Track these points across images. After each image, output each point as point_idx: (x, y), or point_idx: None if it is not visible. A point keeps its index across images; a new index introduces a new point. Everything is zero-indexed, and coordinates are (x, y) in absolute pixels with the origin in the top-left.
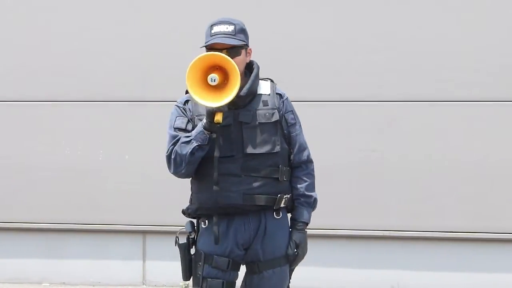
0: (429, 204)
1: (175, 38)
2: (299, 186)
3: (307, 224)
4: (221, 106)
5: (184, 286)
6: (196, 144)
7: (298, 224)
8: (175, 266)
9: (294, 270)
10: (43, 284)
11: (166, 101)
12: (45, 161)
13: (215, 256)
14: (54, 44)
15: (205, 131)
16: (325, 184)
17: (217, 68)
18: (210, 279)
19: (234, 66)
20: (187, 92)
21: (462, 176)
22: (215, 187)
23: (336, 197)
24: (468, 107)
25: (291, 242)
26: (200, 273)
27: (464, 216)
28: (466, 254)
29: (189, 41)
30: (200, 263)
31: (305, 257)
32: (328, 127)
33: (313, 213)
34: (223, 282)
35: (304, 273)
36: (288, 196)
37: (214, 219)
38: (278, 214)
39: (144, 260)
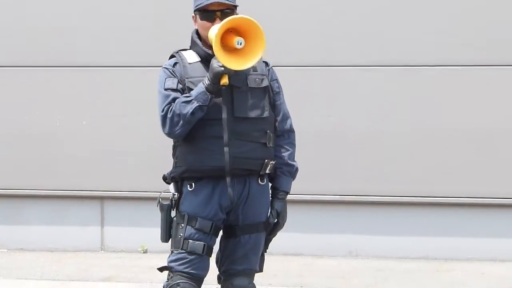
0: (385, 170)
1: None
2: (282, 155)
3: (287, 193)
4: (231, 69)
5: (142, 251)
6: (197, 104)
7: (280, 193)
8: (133, 232)
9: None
10: (0, 249)
11: (122, 66)
12: (3, 126)
13: (199, 218)
14: (2, 6)
15: (207, 92)
16: None
17: (231, 31)
18: (191, 241)
19: (261, 30)
20: (171, 56)
21: (418, 141)
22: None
23: None
24: (422, 70)
25: (272, 211)
26: (181, 234)
27: (419, 181)
28: (422, 218)
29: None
30: (182, 225)
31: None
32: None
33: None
34: (204, 245)
35: None
36: (273, 162)
37: (228, 178)
38: (262, 180)
39: (102, 226)
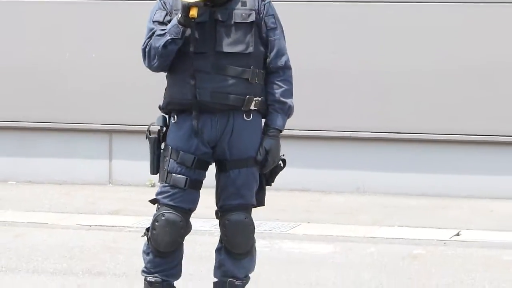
0: (391, 106)
1: None
2: (274, 91)
3: (280, 131)
4: (196, 1)
5: (150, 185)
6: (169, 37)
7: (270, 130)
8: (141, 166)
9: (276, 175)
10: (9, 182)
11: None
12: (12, 60)
13: (181, 152)
14: None
15: (179, 25)
16: None
17: None
18: (174, 175)
19: None
20: None
21: (422, 78)
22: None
23: (301, 98)
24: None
25: (260, 148)
26: (165, 167)
27: (427, 118)
28: (430, 155)
29: None
30: (166, 158)
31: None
32: (289, 29)
33: None
34: (186, 179)
35: None
36: (259, 99)
37: (194, 113)
38: (248, 116)
39: (110, 159)
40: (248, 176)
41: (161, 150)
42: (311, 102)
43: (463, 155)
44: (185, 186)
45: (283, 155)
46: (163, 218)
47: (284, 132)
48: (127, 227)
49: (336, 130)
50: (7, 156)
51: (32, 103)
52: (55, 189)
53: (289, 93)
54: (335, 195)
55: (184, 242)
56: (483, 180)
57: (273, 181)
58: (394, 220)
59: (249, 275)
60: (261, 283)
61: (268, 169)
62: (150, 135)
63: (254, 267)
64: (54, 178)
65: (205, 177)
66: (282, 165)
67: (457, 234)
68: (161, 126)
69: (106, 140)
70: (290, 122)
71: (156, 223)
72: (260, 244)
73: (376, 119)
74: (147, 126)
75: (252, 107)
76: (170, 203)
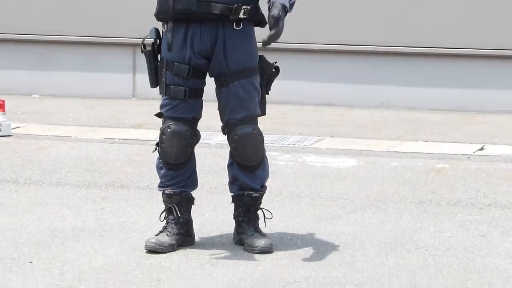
0: (420, 18)
1: None
2: None
3: (284, 7)
4: None
5: None
6: None
7: (274, 4)
8: None
9: (272, 83)
10: (33, 95)
11: None
12: None
13: (175, 63)
14: None
15: None
16: None
17: None
18: (173, 86)
19: None
20: None
21: None
22: None
23: (324, 11)
24: None
25: (268, 18)
26: (164, 80)
27: (453, 32)
28: (455, 69)
29: None
30: (163, 70)
31: (281, 36)
32: None
33: (301, 27)
34: (185, 90)
35: (290, 87)
36: (249, 7)
37: (169, 24)
38: (238, 25)
39: (134, 73)
40: (248, 87)
41: (158, 62)
42: (334, 15)
43: (490, 69)
44: (185, 96)
45: (276, 62)
46: (169, 130)
47: (308, 46)
48: (150, 140)
49: (360, 44)
50: (31, 69)
51: (55, 16)
52: (78, 103)
53: None
54: (360, 110)
55: (197, 153)
56: (508, 95)
57: (269, 89)
58: (418, 134)
59: (265, 184)
60: (284, 196)
61: (276, 38)
62: (145, 48)
63: (268, 175)
64: (77, 92)
65: (204, 84)
66: (275, 72)
67: (481, 149)
68: (154, 39)
69: (130, 53)
70: (313, 37)
71: (164, 136)
72: (284, 158)
73: (402, 32)
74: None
75: (241, 16)
76: (174, 115)
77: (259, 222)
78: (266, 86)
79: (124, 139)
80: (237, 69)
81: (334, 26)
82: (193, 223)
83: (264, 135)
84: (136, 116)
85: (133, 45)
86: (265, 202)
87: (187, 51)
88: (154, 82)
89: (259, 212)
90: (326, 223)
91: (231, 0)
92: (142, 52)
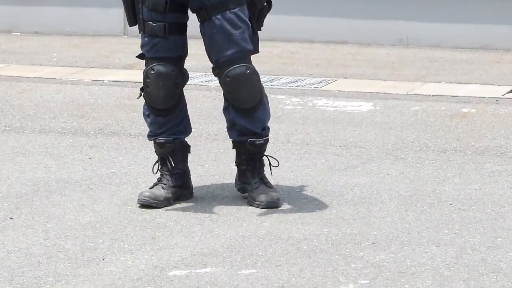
0: None
1: None
2: None
3: None
4: None
5: None
6: None
7: None
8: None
9: (264, 18)
10: (13, 33)
11: None
12: None
13: None
14: None
15: None
16: None
17: None
18: (151, 23)
19: None
20: None
21: None
22: None
23: None
24: None
25: None
26: (141, 16)
27: None
28: (481, 4)
29: None
30: (139, 5)
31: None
32: None
33: None
34: (164, 25)
35: (299, 23)
36: None
37: None
38: None
39: None
40: (234, 19)
41: None
42: None
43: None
44: (165, 33)
45: None
46: (152, 72)
47: None
48: None
49: None
50: (11, 4)
51: None
52: (64, 41)
53: None
54: (375, 48)
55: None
56: None
57: (261, 25)
58: (441, 75)
59: (267, 126)
60: (292, 144)
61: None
62: None
63: (269, 115)
64: (63, 29)
65: (187, 18)
66: (267, 6)
67: (511, 91)
68: None
69: None
70: None
71: (148, 80)
72: (292, 102)
73: None
74: None
75: None
76: (156, 55)
77: (264, 170)
78: (257, 22)
79: (115, 81)
80: (218, 0)
81: None
82: (191, 174)
83: (269, 76)
84: (127, 56)
85: None
86: (271, 151)
87: None
88: (132, 20)
89: (264, 159)
90: (339, 174)
91: None
92: None
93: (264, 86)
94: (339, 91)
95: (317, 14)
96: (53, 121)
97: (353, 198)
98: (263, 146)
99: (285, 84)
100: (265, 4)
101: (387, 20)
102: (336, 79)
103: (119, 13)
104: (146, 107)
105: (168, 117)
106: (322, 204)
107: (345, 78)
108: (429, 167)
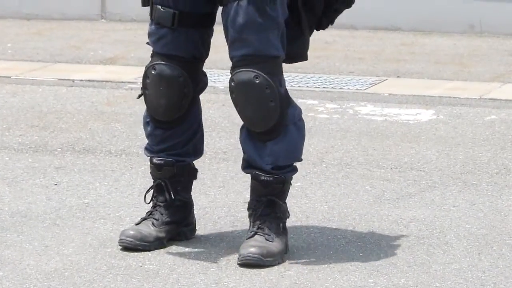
0: None
1: None
2: None
3: None
4: None
5: None
6: None
7: None
8: None
9: (337, 14)
10: None
11: None
12: None
13: None
14: None
15: None
16: None
17: None
18: (159, 7)
19: None
20: None
21: None
22: None
23: None
24: None
25: None
26: None
27: None
28: None
29: None
30: None
31: None
32: None
33: None
34: (174, 13)
35: None
36: None
37: None
38: None
39: None
40: (252, 11)
41: None
42: None
43: None
44: (173, 24)
45: None
46: (153, 72)
47: None
48: (129, 82)
49: None
50: None
51: None
52: (21, 26)
53: None
54: (438, 36)
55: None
56: None
57: (331, 23)
58: None
59: (290, 165)
60: (327, 166)
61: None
62: None
63: (294, 153)
64: (20, 11)
65: (212, 9)
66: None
67: None
68: None
69: None
70: None
71: (147, 80)
72: (327, 109)
73: None
74: None
75: None
76: (162, 50)
77: (276, 219)
78: (324, 19)
79: (89, 80)
80: None
81: None
82: (193, 207)
83: (296, 74)
84: (106, 47)
85: None
86: (299, 175)
87: None
88: None
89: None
90: (390, 206)
91: None
92: None
93: (290, 88)
94: (390, 94)
95: None
96: (7, 134)
97: (408, 237)
98: (270, 185)
99: (317, 85)
100: None
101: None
102: (385, 78)
103: None
104: (146, 112)
105: (171, 132)
106: (367, 246)
107: (398, 77)
108: (509, 196)
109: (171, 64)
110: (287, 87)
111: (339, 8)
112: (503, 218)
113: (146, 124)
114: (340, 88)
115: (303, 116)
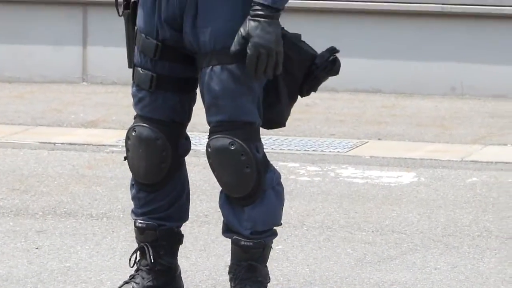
0: None
1: None
2: None
3: (271, 8)
4: None
5: None
6: None
7: (253, 8)
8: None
9: (319, 83)
10: None
11: None
12: None
13: (142, 34)
14: None
15: None
16: None
17: None
18: (139, 69)
19: None
20: None
21: None
22: None
23: None
24: None
25: (236, 34)
26: (134, 58)
27: None
28: None
29: None
30: (135, 45)
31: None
32: None
33: None
34: (152, 76)
35: None
36: None
37: None
38: None
39: (84, 46)
40: (226, 78)
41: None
42: None
43: None
44: (150, 87)
45: (334, 48)
46: (133, 134)
47: (344, 4)
48: (110, 145)
49: (422, 2)
50: None
51: None
52: (3, 90)
53: None
54: (419, 98)
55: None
56: None
57: (313, 91)
58: (506, 136)
59: (270, 230)
60: (308, 228)
61: (257, 71)
62: (122, 11)
63: (272, 218)
64: (2, 74)
65: (193, 74)
66: (331, 66)
67: None
68: None
69: (79, 16)
70: None
71: (128, 141)
72: (308, 172)
73: None
74: None
75: None
76: (142, 112)
77: (257, 283)
78: (306, 86)
79: (70, 143)
80: (211, 48)
81: None
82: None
83: (277, 137)
84: (87, 110)
85: (84, 4)
86: (280, 238)
87: (155, 19)
88: (130, 60)
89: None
90: (371, 269)
91: None
92: (120, 15)
93: (271, 150)
94: (371, 157)
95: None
96: None
97: None
98: (250, 250)
99: (298, 148)
100: (329, 59)
101: (436, 61)
102: (366, 141)
103: (77, 51)
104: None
105: (154, 195)
106: None
107: (379, 139)
108: (491, 259)
109: (150, 127)
110: (267, 150)
111: (319, 75)
112: (484, 281)
113: (131, 186)
114: (321, 151)
115: (284, 179)
